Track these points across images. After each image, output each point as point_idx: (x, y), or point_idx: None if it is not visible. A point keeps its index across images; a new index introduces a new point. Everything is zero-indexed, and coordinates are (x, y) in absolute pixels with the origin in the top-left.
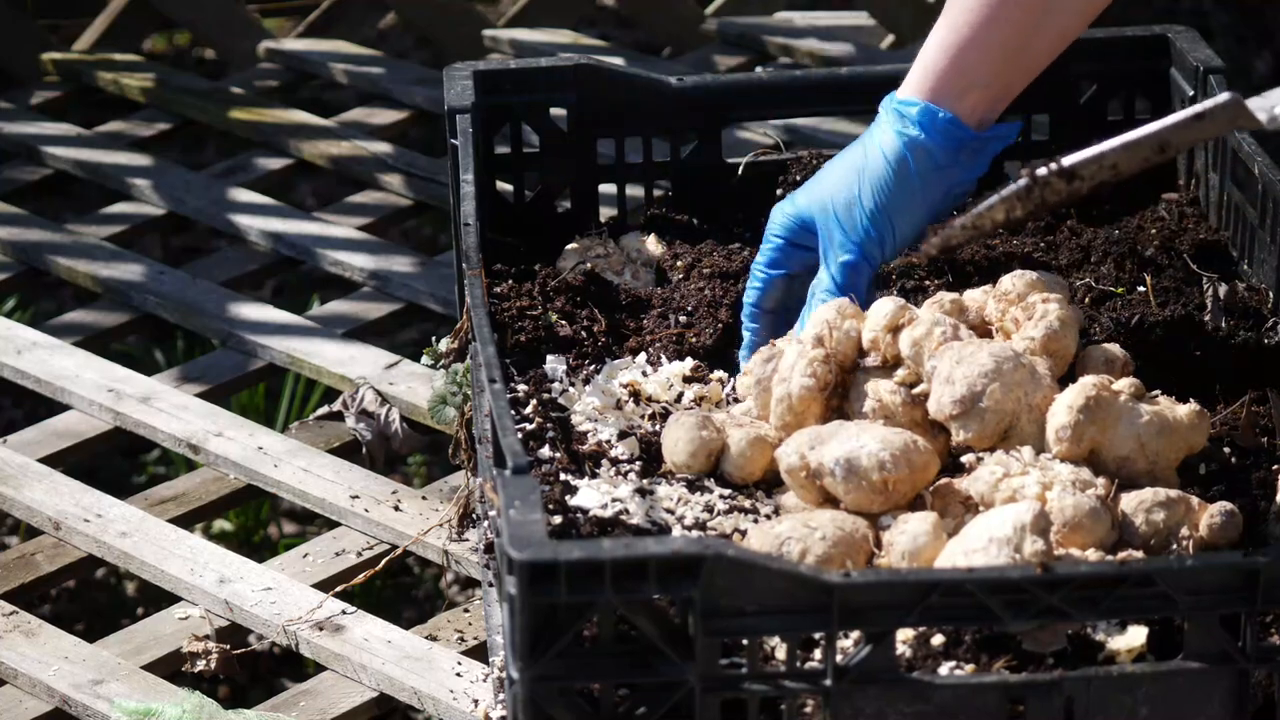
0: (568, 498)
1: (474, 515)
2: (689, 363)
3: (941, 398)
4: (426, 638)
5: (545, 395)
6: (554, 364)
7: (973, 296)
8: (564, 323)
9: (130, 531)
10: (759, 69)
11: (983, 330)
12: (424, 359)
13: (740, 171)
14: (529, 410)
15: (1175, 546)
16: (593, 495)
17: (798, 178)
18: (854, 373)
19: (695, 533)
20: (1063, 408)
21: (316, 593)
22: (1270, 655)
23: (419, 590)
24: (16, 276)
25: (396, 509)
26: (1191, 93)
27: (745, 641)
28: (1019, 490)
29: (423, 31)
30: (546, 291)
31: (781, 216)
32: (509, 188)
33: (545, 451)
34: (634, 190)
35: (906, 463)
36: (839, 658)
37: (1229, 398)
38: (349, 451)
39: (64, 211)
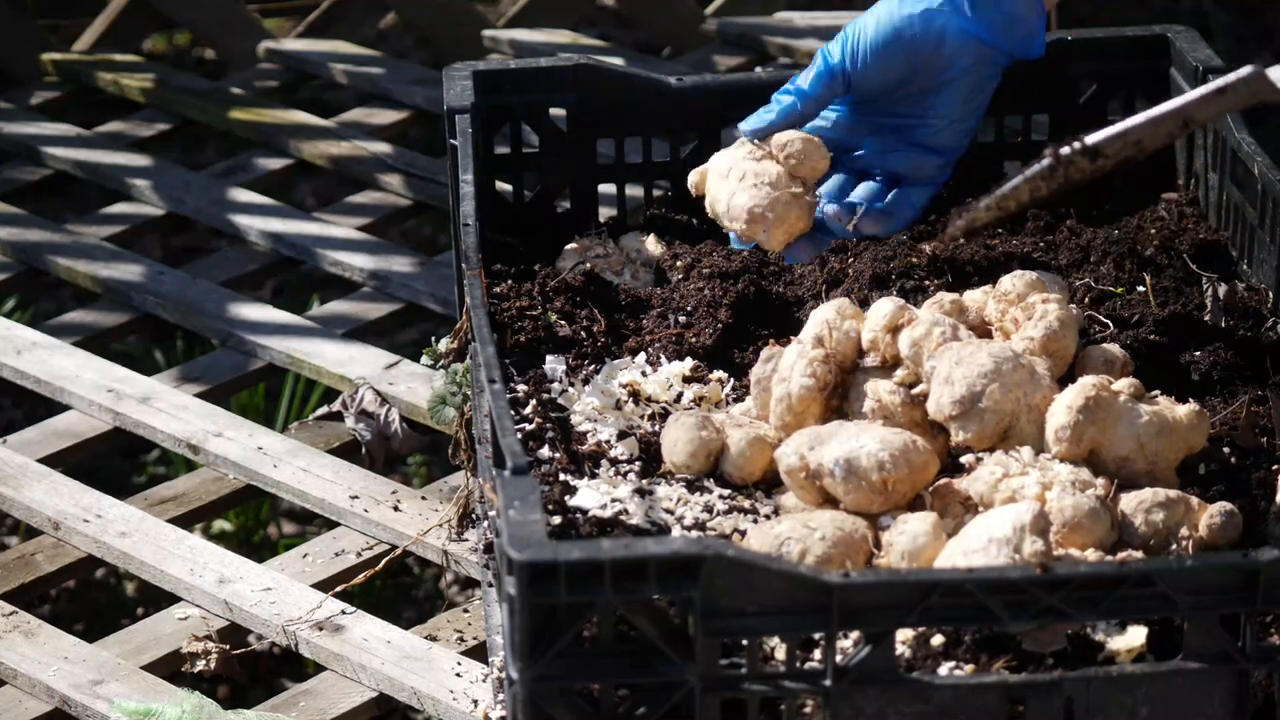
0: (567, 498)
1: (474, 515)
2: (688, 363)
3: (941, 398)
4: (426, 638)
5: (545, 395)
6: (554, 364)
7: (972, 297)
8: (564, 323)
9: (130, 531)
10: (759, 69)
11: (982, 330)
12: (424, 359)
13: None
14: (529, 410)
15: (1175, 547)
16: (592, 495)
17: None
18: (854, 373)
19: (695, 533)
20: (1062, 408)
21: (316, 593)
22: (1270, 655)
23: (419, 590)
24: (16, 276)
25: (396, 509)
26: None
27: (745, 642)
28: (1019, 490)
29: (423, 31)
30: (546, 291)
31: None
32: (509, 188)
33: (545, 452)
34: (634, 190)
35: (906, 463)
36: (839, 658)
37: (1229, 398)
38: (349, 451)
39: (64, 211)
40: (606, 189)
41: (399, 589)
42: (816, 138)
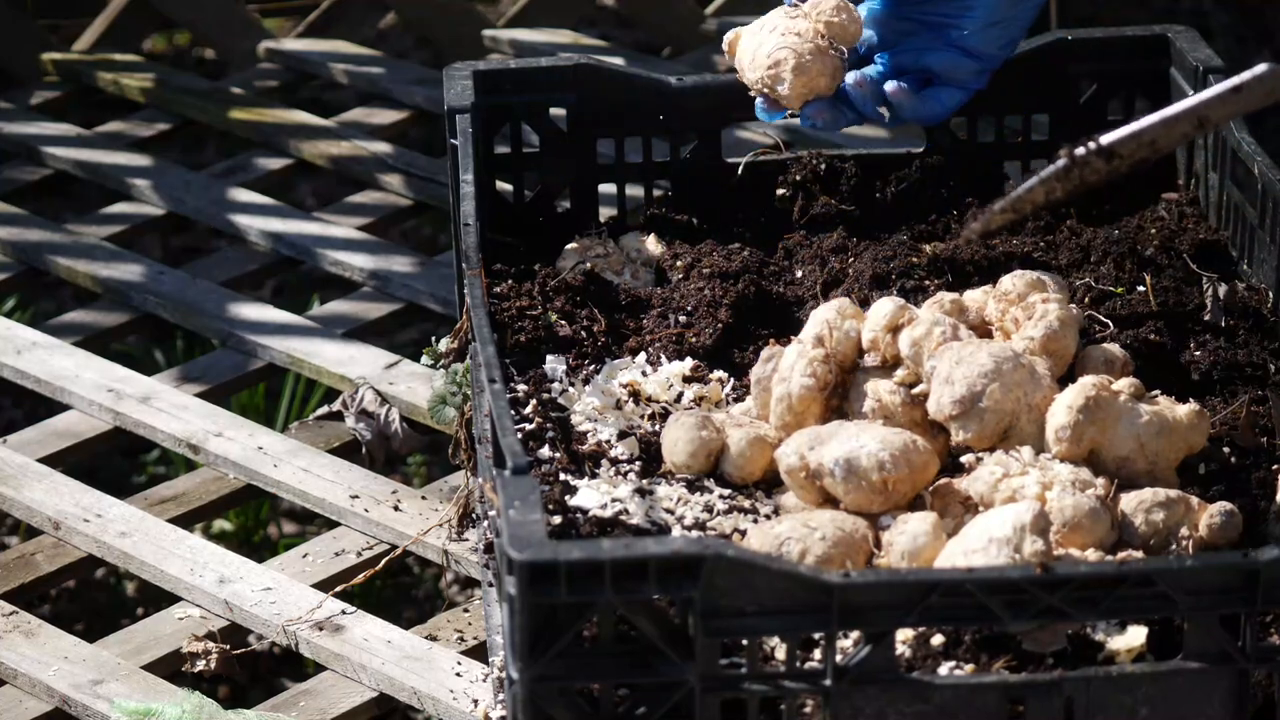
0: (567, 498)
1: (474, 515)
2: (689, 363)
3: (941, 398)
4: (426, 638)
5: (545, 395)
6: (554, 364)
7: (973, 296)
8: (564, 323)
9: (130, 531)
10: None
11: (983, 330)
12: (424, 359)
13: (740, 171)
14: (529, 410)
15: (1175, 546)
16: (592, 495)
17: (797, 178)
18: (854, 373)
19: (695, 533)
20: (1062, 408)
21: (316, 593)
22: (1270, 655)
23: (419, 590)
24: (16, 276)
25: (396, 509)
26: (1191, 93)
27: (745, 642)
28: (1019, 490)
29: (423, 31)
30: (546, 291)
31: None
32: (509, 188)
33: (545, 451)
34: (634, 190)
35: (906, 463)
36: (839, 658)
37: (1229, 398)
38: (349, 451)
39: (64, 211)
40: (606, 189)
41: (399, 589)
42: (852, 6)
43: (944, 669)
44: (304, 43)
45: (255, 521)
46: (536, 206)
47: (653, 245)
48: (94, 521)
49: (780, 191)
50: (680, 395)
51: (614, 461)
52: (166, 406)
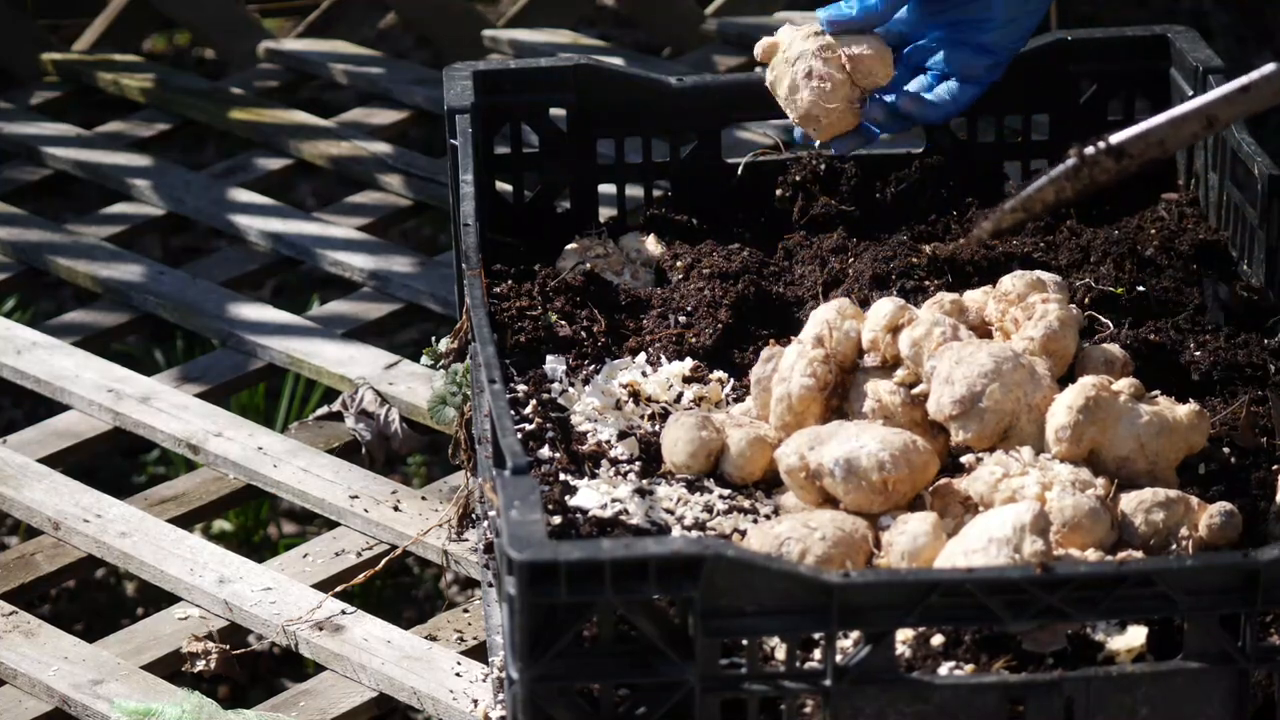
0: (567, 498)
1: (474, 515)
2: (689, 363)
3: (941, 398)
4: (426, 638)
5: (545, 395)
6: (554, 364)
7: (973, 297)
8: (564, 323)
9: (130, 531)
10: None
11: (983, 330)
12: (424, 359)
13: (740, 171)
14: (529, 410)
15: (1175, 546)
16: (592, 495)
17: (797, 178)
18: (854, 373)
19: (695, 533)
20: (1062, 408)
21: (316, 593)
22: (1270, 655)
23: (419, 590)
24: (16, 276)
25: (396, 509)
26: (1191, 93)
27: (745, 642)
28: (1019, 490)
29: (423, 31)
30: (546, 291)
31: None
32: (509, 188)
33: (545, 452)
34: (634, 190)
35: (906, 463)
36: (839, 658)
37: (1229, 398)
38: (349, 451)
39: (64, 211)
40: (606, 189)
41: (399, 589)
42: (886, 48)
43: (944, 669)
44: (304, 43)
45: (255, 521)
46: (536, 206)
47: (653, 245)
48: (94, 521)
49: (780, 192)
50: (680, 395)
51: (614, 461)
52: (166, 406)
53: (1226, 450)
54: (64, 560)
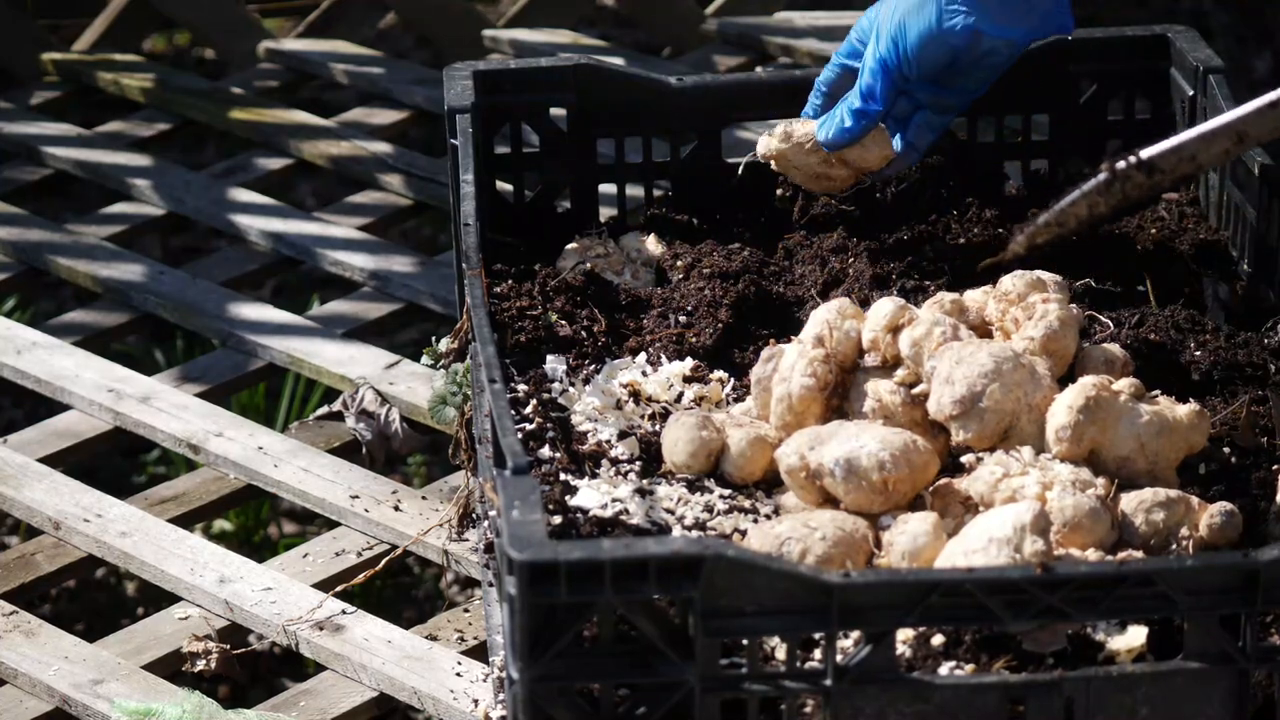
0: (568, 498)
1: (474, 515)
2: (689, 363)
3: (941, 398)
4: (426, 638)
5: (545, 395)
6: (554, 364)
7: (973, 297)
8: (564, 323)
9: (130, 531)
10: (759, 69)
11: (983, 330)
12: (424, 359)
13: (740, 171)
14: (529, 410)
15: (1175, 546)
16: (593, 495)
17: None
18: (854, 373)
19: (695, 533)
20: (1062, 408)
21: (316, 593)
22: (1270, 655)
23: (419, 590)
24: (16, 276)
25: (396, 509)
26: (1191, 93)
27: (745, 642)
28: (1019, 490)
29: (423, 31)
30: (546, 291)
31: (862, 22)
32: (509, 188)
33: (545, 451)
34: (634, 190)
35: (906, 463)
36: (839, 658)
37: (1229, 398)
38: (349, 451)
39: (64, 211)
40: (606, 189)
41: (399, 589)
42: (885, 137)
43: (944, 669)
44: (304, 43)
45: (255, 521)
46: (537, 206)
47: (653, 245)
48: (94, 521)
49: (780, 191)
50: (680, 395)
51: (614, 461)
52: (166, 406)
53: (1226, 450)
54: (64, 560)
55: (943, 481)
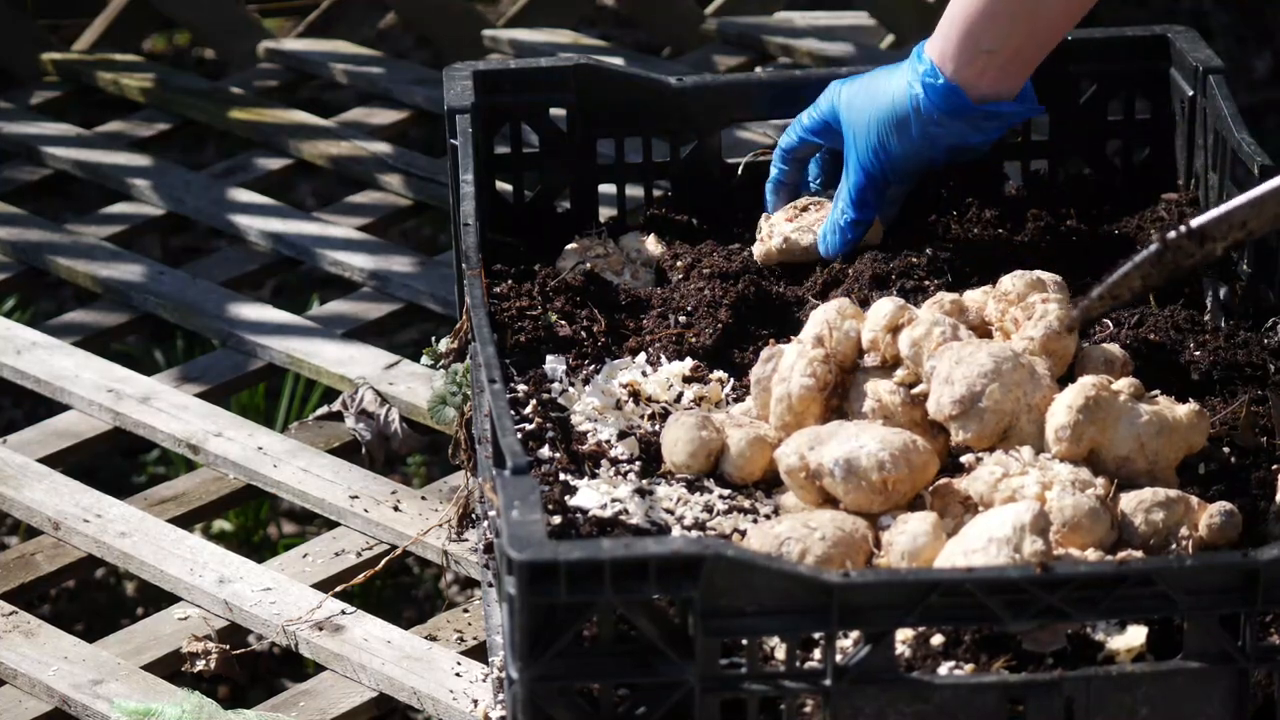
0: (567, 498)
1: (474, 515)
2: (689, 363)
3: (941, 398)
4: (426, 638)
5: (545, 395)
6: (554, 364)
7: (972, 297)
8: (564, 323)
9: (130, 531)
10: (759, 69)
11: (982, 330)
12: (424, 359)
13: (740, 171)
14: (529, 410)
15: (1175, 546)
16: (592, 495)
17: None
18: (854, 373)
19: (695, 533)
20: (1062, 408)
21: (316, 593)
22: (1270, 655)
23: (419, 590)
24: (16, 276)
25: (396, 509)
26: (1191, 93)
27: (745, 641)
28: (1018, 490)
29: (423, 31)
30: (546, 291)
31: (828, 99)
32: (509, 188)
33: (545, 451)
34: (634, 190)
35: (906, 463)
36: (839, 658)
37: (1229, 398)
38: (349, 451)
39: (64, 211)
40: (606, 189)
41: (399, 589)
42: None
43: (944, 669)
44: (304, 43)
45: (255, 521)
46: (536, 206)
47: (653, 245)
48: (94, 521)
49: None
50: (680, 395)
51: (614, 461)
52: (166, 406)
53: (1226, 450)
54: (64, 560)
55: (942, 481)
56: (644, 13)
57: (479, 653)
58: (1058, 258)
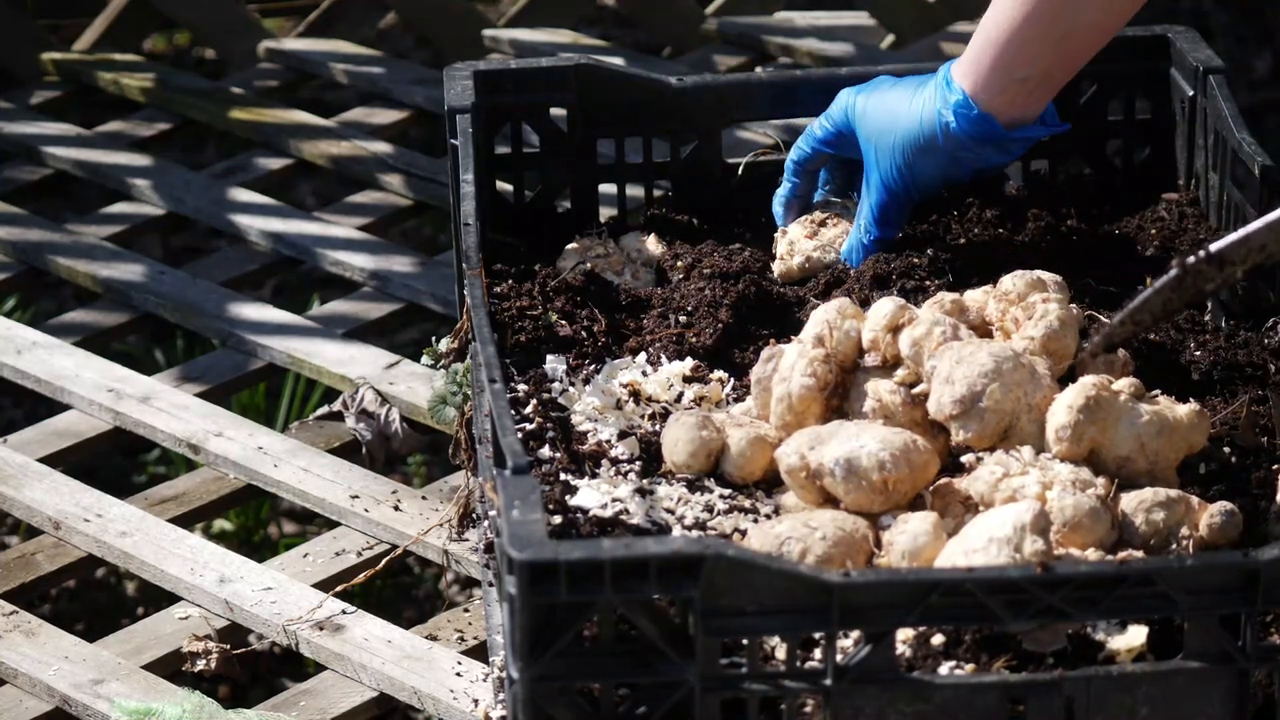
0: (568, 498)
1: (474, 515)
2: (689, 363)
3: (941, 398)
4: (426, 637)
5: (545, 395)
6: (554, 364)
7: (973, 296)
8: (564, 323)
9: (130, 531)
10: (759, 69)
11: (983, 330)
12: (424, 359)
13: (740, 171)
14: (529, 410)
15: (1175, 546)
16: (593, 495)
17: None
18: (854, 373)
19: (695, 533)
20: (1063, 407)
21: (316, 592)
22: (1270, 655)
23: (419, 590)
24: (16, 276)
25: (396, 509)
26: (1191, 93)
27: (745, 641)
28: (1019, 490)
29: (423, 31)
30: (546, 291)
31: (841, 109)
32: (509, 188)
33: (545, 451)
34: (634, 190)
35: (906, 462)
36: (839, 657)
37: (1229, 398)
38: (349, 451)
39: (64, 211)
40: (607, 189)
41: (399, 589)
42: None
43: (944, 669)
44: (304, 43)
45: (255, 521)
46: (537, 206)
47: (653, 245)
48: (94, 521)
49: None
50: (680, 395)
51: (614, 461)
52: (166, 406)
53: (1227, 450)
54: (64, 560)
55: (943, 481)
56: (644, 13)
57: (479, 652)
58: (1058, 258)
